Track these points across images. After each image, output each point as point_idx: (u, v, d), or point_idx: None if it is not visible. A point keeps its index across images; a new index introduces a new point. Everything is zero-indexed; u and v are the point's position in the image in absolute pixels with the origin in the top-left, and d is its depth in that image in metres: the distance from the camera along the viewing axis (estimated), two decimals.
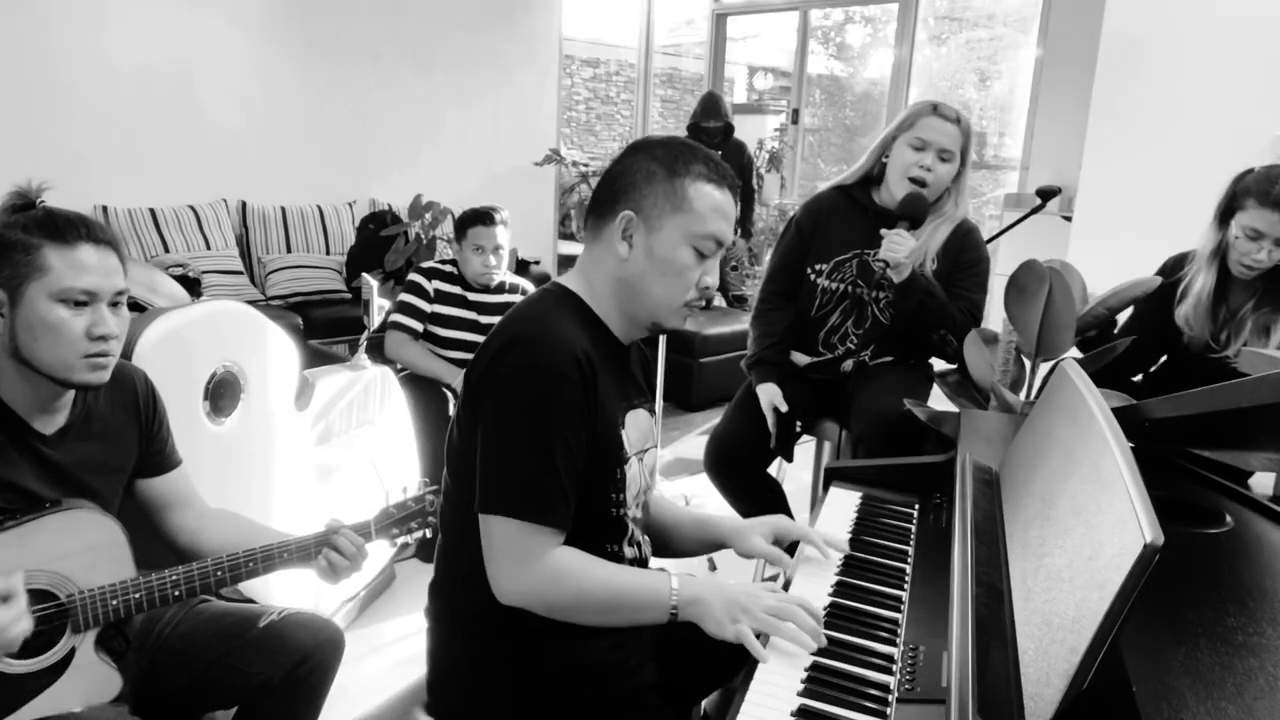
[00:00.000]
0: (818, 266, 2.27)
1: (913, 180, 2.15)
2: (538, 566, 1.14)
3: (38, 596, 1.25)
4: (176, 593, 1.33)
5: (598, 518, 1.25)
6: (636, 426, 1.30)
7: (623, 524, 1.29)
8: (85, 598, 1.28)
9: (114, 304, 1.30)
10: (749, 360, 2.36)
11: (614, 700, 1.23)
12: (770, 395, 2.23)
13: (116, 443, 1.42)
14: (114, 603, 1.30)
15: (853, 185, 2.30)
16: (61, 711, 1.27)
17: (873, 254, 2.17)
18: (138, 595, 1.31)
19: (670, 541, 1.47)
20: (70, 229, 1.27)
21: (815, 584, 1.29)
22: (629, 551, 1.32)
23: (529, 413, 1.14)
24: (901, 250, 2.06)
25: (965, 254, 2.22)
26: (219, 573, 1.36)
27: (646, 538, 1.41)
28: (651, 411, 1.38)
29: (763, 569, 2.66)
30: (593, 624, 1.18)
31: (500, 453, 1.15)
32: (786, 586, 1.30)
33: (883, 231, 2.11)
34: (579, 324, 1.23)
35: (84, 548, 1.30)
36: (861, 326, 2.27)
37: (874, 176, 2.29)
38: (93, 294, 1.27)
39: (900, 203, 2.14)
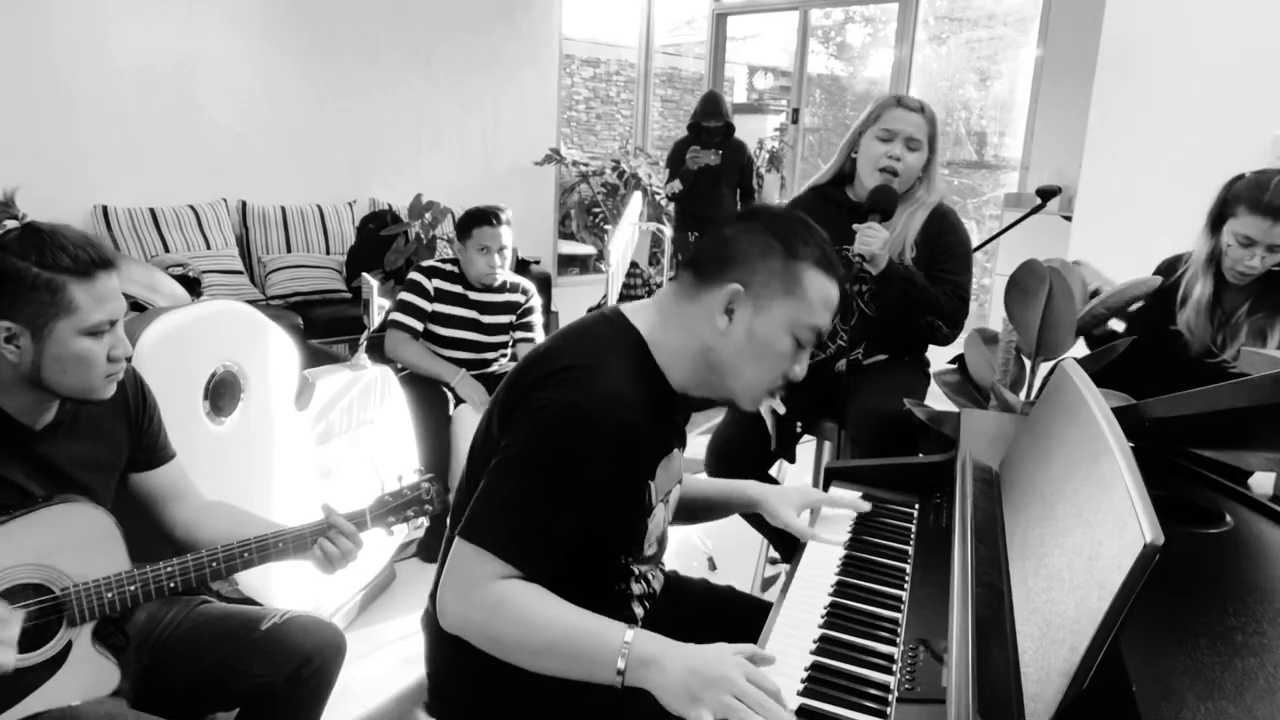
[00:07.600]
0: None
1: (883, 170, 2.16)
2: (480, 592, 1.07)
3: (31, 591, 1.26)
4: (172, 584, 1.33)
5: (607, 564, 1.25)
6: (667, 471, 1.27)
7: (628, 570, 1.29)
8: (80, 591, 1.28)
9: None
10: None
11: (615, 702, 1.23)
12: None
13: (107, 439, 1.42)
14: (109, 595, 1.29)
15: (826, 184, 2.32)
16: (59, 705, 1.27)
17: (850, 249, 2.17)
18: (133, 587, 1.31)
19: (687, 506, 1.47)
20: (87, 260, 1.26)
21: (815, 585, 1.29)
22: (636, 588, 1.32)
23: (552, 457, 1.09)
24: (875, 242, 2.06)
25: (944, 237, 2.22)
26: (214, 564, 1.36)
27: (659, 572, 1.41)
28: (684, 446, 1.36)
29: (763, 568, 2.66)
30: (532, 668, 1.09)
31: (508, 489, 1.10)
32: (789, 578, 1.31)
33: (855, 226, 2.10)
34: (636, 369, 1.18)
35: (77, 541, 1.30)
36: (848, 323, 2.27)
37: (846, 174, 2.30)
38: (114, 321, 1.31)
39: (869, 196, 2.14)
